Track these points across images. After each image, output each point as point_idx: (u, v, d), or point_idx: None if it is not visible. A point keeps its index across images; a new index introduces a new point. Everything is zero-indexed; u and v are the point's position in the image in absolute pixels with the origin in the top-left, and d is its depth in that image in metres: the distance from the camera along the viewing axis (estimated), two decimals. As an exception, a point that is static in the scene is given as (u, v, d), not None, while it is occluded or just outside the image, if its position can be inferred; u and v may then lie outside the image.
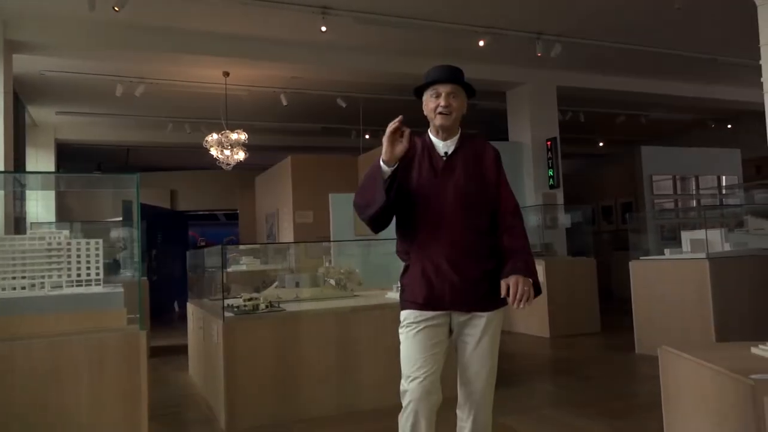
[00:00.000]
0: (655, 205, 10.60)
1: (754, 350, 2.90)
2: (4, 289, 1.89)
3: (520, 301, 2.09)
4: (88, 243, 1.95)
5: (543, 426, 3.61)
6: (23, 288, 1.89)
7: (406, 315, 2.23)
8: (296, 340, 3.86)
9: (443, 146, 2.29)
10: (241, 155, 8.40)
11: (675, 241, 6.34)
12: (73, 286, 1.96)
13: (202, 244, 17.31)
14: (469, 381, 2.22)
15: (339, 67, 7.90)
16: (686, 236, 5.47)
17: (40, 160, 10.79)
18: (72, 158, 12.89)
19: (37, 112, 10.05)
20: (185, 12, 6.34)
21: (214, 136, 8.27)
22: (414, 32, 7.05)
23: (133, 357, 1.87)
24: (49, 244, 1.91)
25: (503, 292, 2.12)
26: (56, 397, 1.80)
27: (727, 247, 5.25)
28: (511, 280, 2.10)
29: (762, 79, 4.63)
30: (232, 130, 8.43)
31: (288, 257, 6.52)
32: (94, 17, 6.06)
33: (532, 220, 7.98)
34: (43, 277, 1.93)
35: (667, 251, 5.62)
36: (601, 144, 14.78)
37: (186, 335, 5.87)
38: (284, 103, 9.19)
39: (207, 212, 15.63)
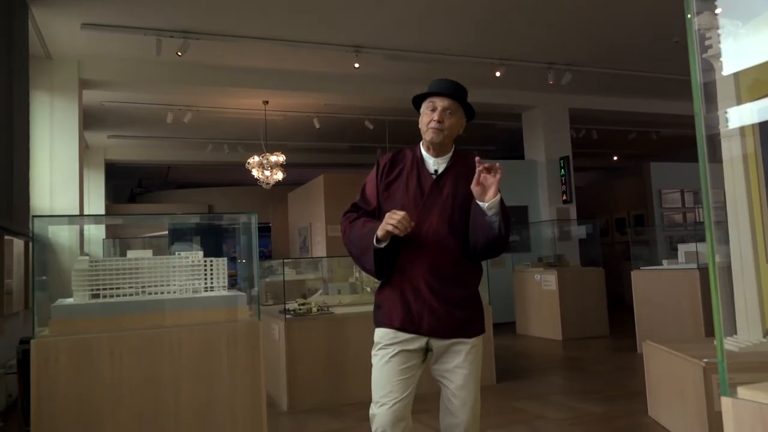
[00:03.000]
0: (665, 218, 11.22)
1: (716, 342, 3.66)
2: (163, 293, 2.72)
3: (489, 169, 2.03)
4: (217, 260, 2.77)
5: (550, 407, 4.33)
6: (175, 292, 2.72)
7: (381, 336, 2.13)
8: (343, 337, 4.64)
9: (433, 163, 2.20)
10: (279, 175, 9.25)
11: (676, 252, 7.02)
12: (207, 290, 2.78)
13: (234, 255, 18.28)
14: (455, 413, 2.11)
15: (368, 95, 8.72)
16: (682, 248, 6.16)
17: (92, 179, 11.75)
18: (116, 175, 13.89)
19: (91, 136, 11.01)
20: (234, 52, 7.20)
21: (256, 158, 9.14)
22: (437, 64, 7.84)
23: (254, 339, 2.67)
24: (192, 261, 2.72)
25: (477, 174, 2.03)
26: (206, 366, 2.61)
27: (717, 258, 5.91)
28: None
29: None
30: (271, 153, 9.29)
31: (321, 268, 7.34)
32: (156, 58, 6.94)
33: (545, 233, 8.70)
34: (187, 284, 2.74)
35: (665, 262, 6.31)
36: (615, 158, 15.42)
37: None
38: (317, 126, 10.03)
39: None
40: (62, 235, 6.76)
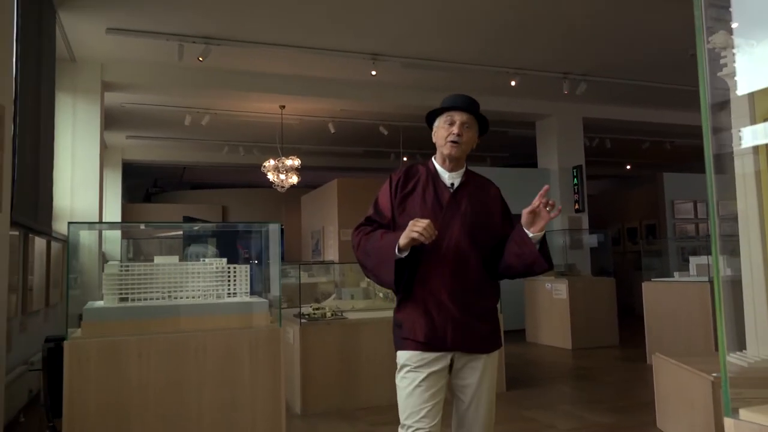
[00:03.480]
0: (677, 229, 11.21)
1: (727, 357, 3.70)
2: (188, 298, 2.82)
3: (548, 205, 2.05)
4: (239, 267, 2.86)
5: (559, 417, 4.39)
6: (199, 297, 2.81)
7: (407, 358, 2.09)
8: (356, 343, 4.72)
9: (449, 177, 2.21)
10: (294, 179, 9.36)
11: (687, 264, 7.05)
12: (230, 296, 2.88)
13: (246, 256, 18.45)
14: (469, 427, 2.13)
15: (384, 101, 8.81)
16: (693, 261, 6.19)
17: (110, 179, 11.92)
18: (132, 175, 14.08)
19: (109, 137, 11.17)
20: (253, 57, 7.31)
21: (272, 162, 9.26)
22: (453, 72, 7.92)
23: (275, 344, 2.76)
24: (216, 268, 2.82)
25: (536, 203, 2.05)
26: (229, 370, 2.71)
27: (728, 272, 5.95)
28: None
29: None
30: (287, 156, 9.41)
31: (333, 271, 7.44)
32: (177, 63, 7.07)
33: (557, 242, 8.74)
34: (211, 289, 2.84)
35: (676, 274, 6.34)
36: (628, 167, 15.41)
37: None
38: (332, 131, 10.13)
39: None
40: (81, 234, 6.90)
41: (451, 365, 2.10)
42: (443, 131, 2.18)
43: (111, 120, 9.73)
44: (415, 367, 2.05)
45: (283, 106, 9.21)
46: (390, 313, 2.24)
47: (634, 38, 7.08)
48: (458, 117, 2.17)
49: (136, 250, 10.73)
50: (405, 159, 12.48)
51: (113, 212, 11.77)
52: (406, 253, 2.01)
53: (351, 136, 11.29)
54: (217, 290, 2.81)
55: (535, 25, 6.63)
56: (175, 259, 2.82)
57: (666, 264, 8.11)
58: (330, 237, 10.78)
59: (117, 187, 12.11)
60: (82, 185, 7.14)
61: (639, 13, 6.35)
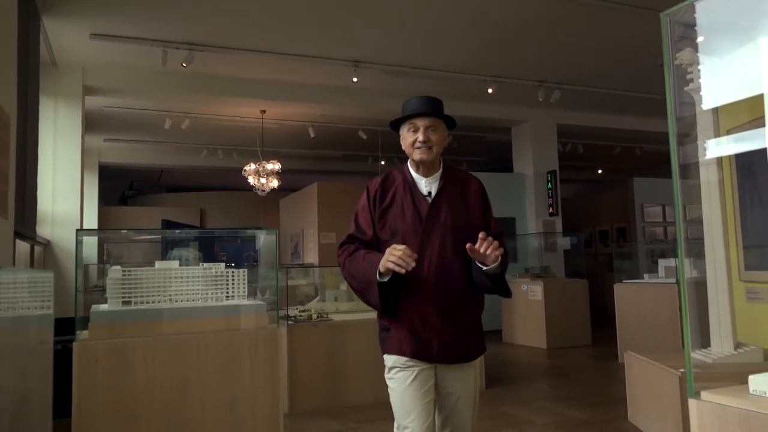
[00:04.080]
0: (646, 231, 11.59)
1: (692, 354, 3.93)
2: (187, 301, 2.95)
3: (488, 248, 1.97)
4: (237, 272, 3.00)
5: (537, 413, 4.60)
6: (198, 300, 2.95)
7: (394, 360, 2.11)
8: (342, 343, 4.87)
9: (426, 184, 2.18)
10: (275, 183, 9.46)
11: (656, 266, 7.35)
12: (229, 299, 3.01)
13: (224, 258, 18.44)
14: (454, 429, 2.15)
15: (364, 107, 8.97)
16: (662, 263, 6.48)
17: (87, 181, 11.78)
18: (107, 177, 13.97)
19: (87, 140, 10.97)
20: (235, 63, 7.41)
21: (252, 165, 9.35)
22: (433, 80, 8.12)
23: (273, 345, 2.91)
24: (214, 272, 2.95)
25: (476, 245, 1.98)
26: (230, 369, 2.84)
27: (694, 274, 6.24)
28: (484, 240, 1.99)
29: None
30: (267, 160, 9.51)
31: (313, 274, 7.58)
32: (158, 67, 7.12)
33: (533, 245, 9.00)
34: (210, 293, 2.97)
35: (645, 276, 6.62)
36: (599, 171, 15.82)
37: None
38: (312, 135, 10.25)
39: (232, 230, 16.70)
40: (63, 237, 6.92)
41: (436, 369, 2.12)
42: (409, 138, 2.15)
43: (89, 123, 9.69)
44: (405, 367, 2.06)
45: (264, 111, 9.31)
46: (373, 315, 2.25)
47: (606, 49, 7.37)
48: (421, 123, 2.14)
49: (115, 253, 10.69)
50: (383, 163, 12.65)
51: (90, 216, 11.69)
52: (387, 278, 1.99)
53: (330, 140, 11.42)
54: (216, 293, 2.95)
55: (512, 35, 6.87)
56: (175, 264, 2.94)
57: (636, 266, 8.42)
58: (310, 240, 10.90)
59: (94, 190, 12.04)
60: (64, 189, 7.15)
61: (611, 26, 6.63)
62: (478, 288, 2.12)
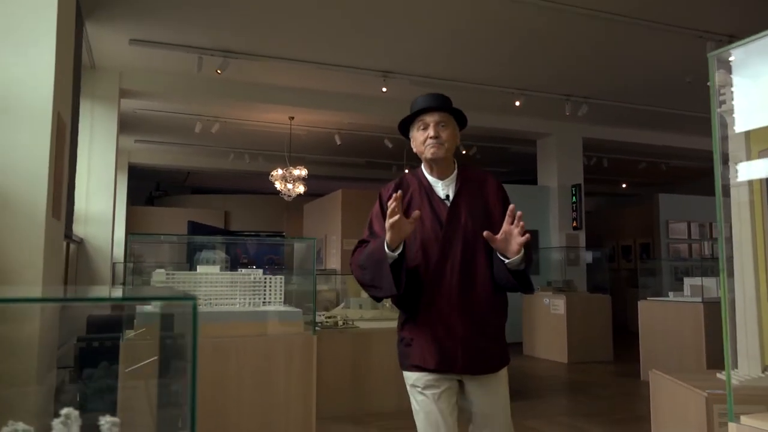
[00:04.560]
0: (670, 248, 11.50)
1: (718, 375, 3.90)
2: (227, 305, 3.06)
3: (520, 223, 1.88)
4: (274, 278, 3.10)
5: (560, 428, 4.62)
6: (236, 305, 3.05)
7: (414, 379, 2.01)
8: (367, 351, 4.94)
9: (442, 187, 2.10)
10: (301, 188, 9.59)
11: (680, 283, 7.32)
12: (266, 305, 3.12)
13: (245, 261, 18.62)
14: None
15: (391, 116, 9.03)
16: (687, 282, 6.45)
17: (118, 181, 12.07)
18: (135, 177, 14.24)
19: (119, 141, 11.36)
20: (268, 70, 7.55)
21: (279, 171, 9.48)
22: (460, 91, 8.18)
23: (308, 350, 3.01)
24: (253, 278, 3.06)
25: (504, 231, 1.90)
26: (266, 374, 2.94)
27: (719, 294, 6.22)
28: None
29: None
30: (294, 166, 9.64)
31: (335, 281, 7.67)
32: (192, 73, 7.28)
33: (555, 258, 9.00)
34: (248, 298, 3.08)
35: (671, 294, 6.60)
36: (624, 185, 15.74)
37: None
38: (338, 142, 10.37)
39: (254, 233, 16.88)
40: (97, 236, 7.10)
41: (461, 384, 2.04)
42: (420, 136, 2.08)
43: (122, 124, 9.90)
44: (424, 389, 1.98)
45: (293, 117, 9.45)
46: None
47: (633, 64, 7.39)
48: (430, 119, 2.06)
49: (138, 252, 10.90)
50: (407, 171, 12.72)
51: (119, 215, 11.90)
52: (399, 251, 1.89)
53: (356, 147, 11.54)
54: (254, 299, 3.04)
55: (541, 48, 6.92)
56: (216, 268, 3.04)
57: (660, 283, 8.37)
58: (333, 246, 11.00)
59: (123, 189, 12.28)
60: (97, 189, 7.33)
61: (639, 41, 6.65)
62: (499, 284, 2.03)
